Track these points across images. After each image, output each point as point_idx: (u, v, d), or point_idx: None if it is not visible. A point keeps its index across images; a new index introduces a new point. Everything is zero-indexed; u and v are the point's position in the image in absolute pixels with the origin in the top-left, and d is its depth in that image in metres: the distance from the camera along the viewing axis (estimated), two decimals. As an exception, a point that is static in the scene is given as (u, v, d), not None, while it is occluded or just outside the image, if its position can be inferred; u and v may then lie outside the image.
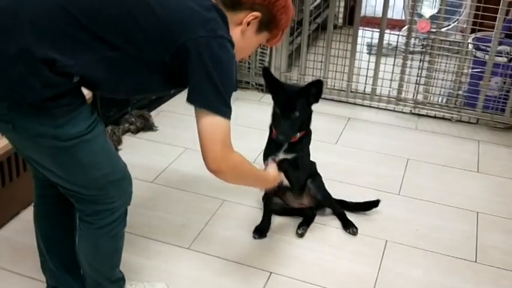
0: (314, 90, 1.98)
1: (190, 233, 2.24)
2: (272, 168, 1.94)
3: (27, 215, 2.19)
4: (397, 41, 3.35)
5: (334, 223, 2.34)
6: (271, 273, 2.06)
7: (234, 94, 3.63)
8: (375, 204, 2.42)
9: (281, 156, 2.08)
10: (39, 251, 1.77)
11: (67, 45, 1.34)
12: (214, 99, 1.44)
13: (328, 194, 2.34)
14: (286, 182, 2.11)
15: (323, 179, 2.35)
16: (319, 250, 2.19)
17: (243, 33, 1.56)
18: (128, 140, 2.94)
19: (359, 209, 2.42)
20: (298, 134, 2.06)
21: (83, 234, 1.63)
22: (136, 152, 2.83)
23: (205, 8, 1.45)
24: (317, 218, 2.35)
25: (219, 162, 1.50)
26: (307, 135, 2.14)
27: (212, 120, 1.45)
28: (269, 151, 2.13)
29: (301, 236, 2.25)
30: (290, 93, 2.03)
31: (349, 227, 2.30)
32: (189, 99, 1.46)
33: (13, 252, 2.08)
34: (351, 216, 2.35)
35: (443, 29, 3.21)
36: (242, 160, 1.60)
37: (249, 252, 2.16)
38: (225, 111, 1.46)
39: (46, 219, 1.73)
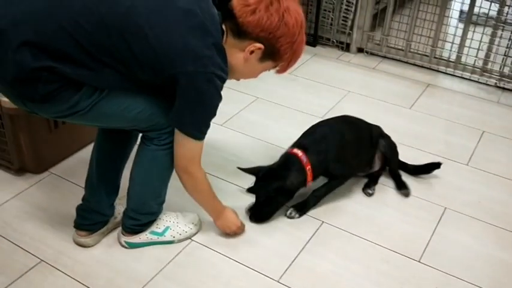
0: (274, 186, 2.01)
1: (250, 176, 2.32)
2: (234, 215, 2.00)
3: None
4: (489, 9, 3.18)
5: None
6: (323, 222, 2.11)
7: (312, 49, 3.68)
8: (436, 166, 2.36)
9: None
10: (90, 164, 1.91)
11: (66, 61, 1.47)
12: (189, 124, 1.63)
13: (397, 154, 2.34)
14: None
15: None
16: (375, 208, 2.21)
17: (245, 60, 1.65)
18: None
19: (419, 171, 2.38)
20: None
21: (144, 148, 1.76)
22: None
23: (205, 45, 1.53)
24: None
25: (182, 173, 1.74)
26: (315, 167, 2.06)
27: (183, 141, 1.65)
28: None
29: (371, 195, 2.26)
30: (260, 179, 2.07)
31: (402, 188, 2.28)
32: (169, 117, 1.64)
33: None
34: (413, 179, 2.35)
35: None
36: (204, 180, 1.81)
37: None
38: (197, 135, 1.65)
39: (108, 133, 1.87)
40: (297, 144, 2.12)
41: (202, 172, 1.78)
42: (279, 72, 1.78)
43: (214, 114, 1.65)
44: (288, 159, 2.07)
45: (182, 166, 1.73)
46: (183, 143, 1.67)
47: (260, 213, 2.07)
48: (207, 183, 1.83)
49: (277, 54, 1.65)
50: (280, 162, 2.09)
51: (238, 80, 1.80)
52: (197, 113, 1.61)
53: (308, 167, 2.04)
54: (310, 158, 2.05)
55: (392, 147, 2.32)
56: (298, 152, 2.07)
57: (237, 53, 1.64)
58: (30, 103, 1.55)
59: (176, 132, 1.66)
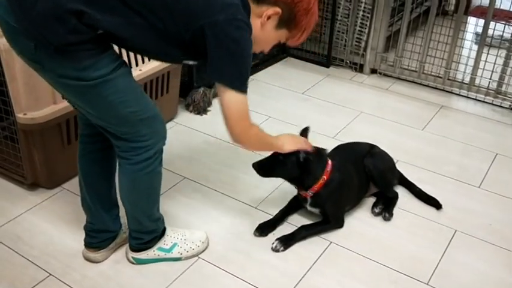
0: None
1: (259, 194, 2.34)
2: (287, 140, 1.99)
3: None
4: (503, 31, 3.17)
5: (406, 206, 2.31)
6: (331, 242, 2.10)
7: (326, 70, 3.69)
8: (436, 204, 2.32)
9: (309, 208, 2.16)
10: (80, 187, 1.91)
11: (98, 5, 1.47)
12: (230, 75, 1.59)
13: (386, 174, 2.30)
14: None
15: (404, 162, 2.31)
16: (384, 229, 2.19)
17: (262, 25, 1.67)
18: (217, 103, 3.07)
19: (421, 197, 2.35)
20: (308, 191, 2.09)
21: (122, 170, 1.76)
22: (223, 115, 2.95)
23: None
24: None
25: (239, 134, 1.70)
26: (328, 185, 2.07)
27: (230, 95, 1.61)
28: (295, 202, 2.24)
29: (378, 214, 2.25)
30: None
31: (384, 211, 2.25)
32: (208, 73, 1.60)
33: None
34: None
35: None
36: (258, 131, 1.78)
37: (312, 222, 2.20)
38: (240, 86, 1.61)
39: (87, 156, 1.87)
40: (331, 157, 2.16)
41: (256, 126, 1.76)
42: (290, 43, 1.80)
43: (250, 62, 1.63)
44: (325, 159, 2.11)
45: (238, 132, 1.69)
46: (229, 103, 1.63)
47: (262, 166, 2.06)
48: (263, 133, 1.82)
49: (293, 21, 1.69)
50: (318, 157, 2.08)
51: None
52: (234, 62, 1.58)
53: (324, 177, 2.06)
54: (330, 175, 2.07)
55: (377, 168, 2.26)
56: (330, 163, 2.11)
57: (255, 19, 1.65)
58: (42, 50, 1.50)
59: (221, 96, 1.63)
